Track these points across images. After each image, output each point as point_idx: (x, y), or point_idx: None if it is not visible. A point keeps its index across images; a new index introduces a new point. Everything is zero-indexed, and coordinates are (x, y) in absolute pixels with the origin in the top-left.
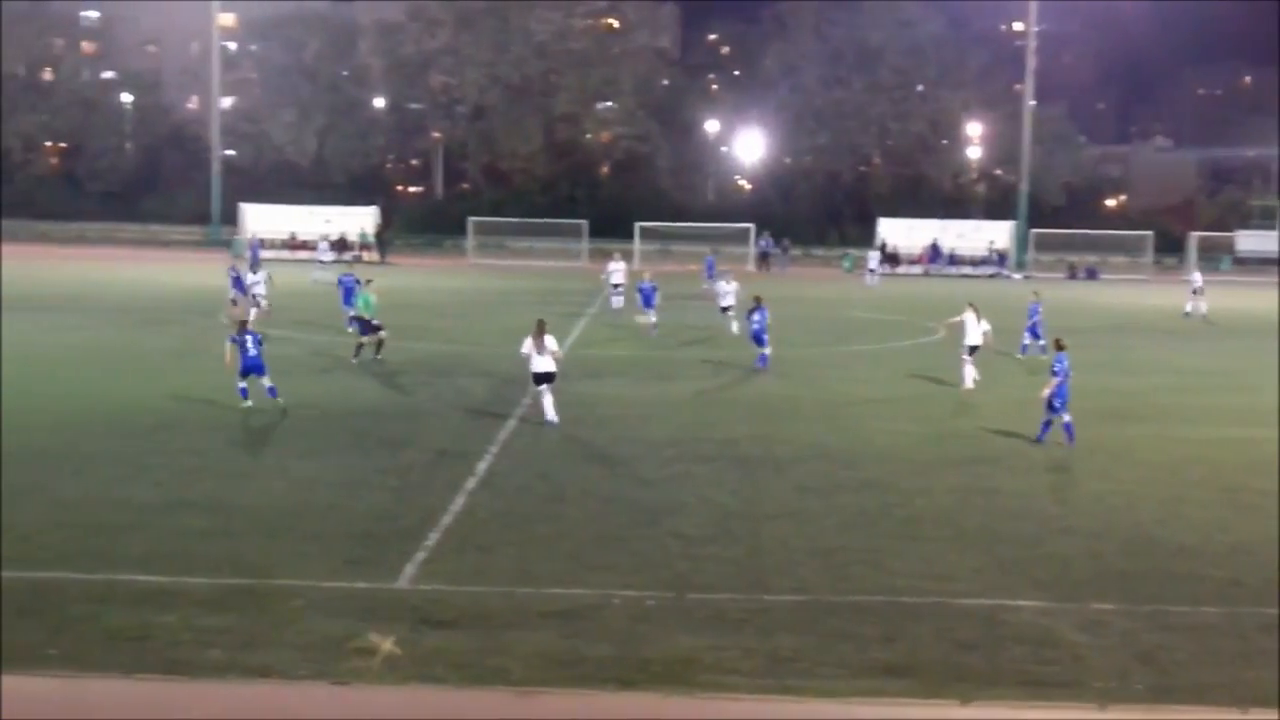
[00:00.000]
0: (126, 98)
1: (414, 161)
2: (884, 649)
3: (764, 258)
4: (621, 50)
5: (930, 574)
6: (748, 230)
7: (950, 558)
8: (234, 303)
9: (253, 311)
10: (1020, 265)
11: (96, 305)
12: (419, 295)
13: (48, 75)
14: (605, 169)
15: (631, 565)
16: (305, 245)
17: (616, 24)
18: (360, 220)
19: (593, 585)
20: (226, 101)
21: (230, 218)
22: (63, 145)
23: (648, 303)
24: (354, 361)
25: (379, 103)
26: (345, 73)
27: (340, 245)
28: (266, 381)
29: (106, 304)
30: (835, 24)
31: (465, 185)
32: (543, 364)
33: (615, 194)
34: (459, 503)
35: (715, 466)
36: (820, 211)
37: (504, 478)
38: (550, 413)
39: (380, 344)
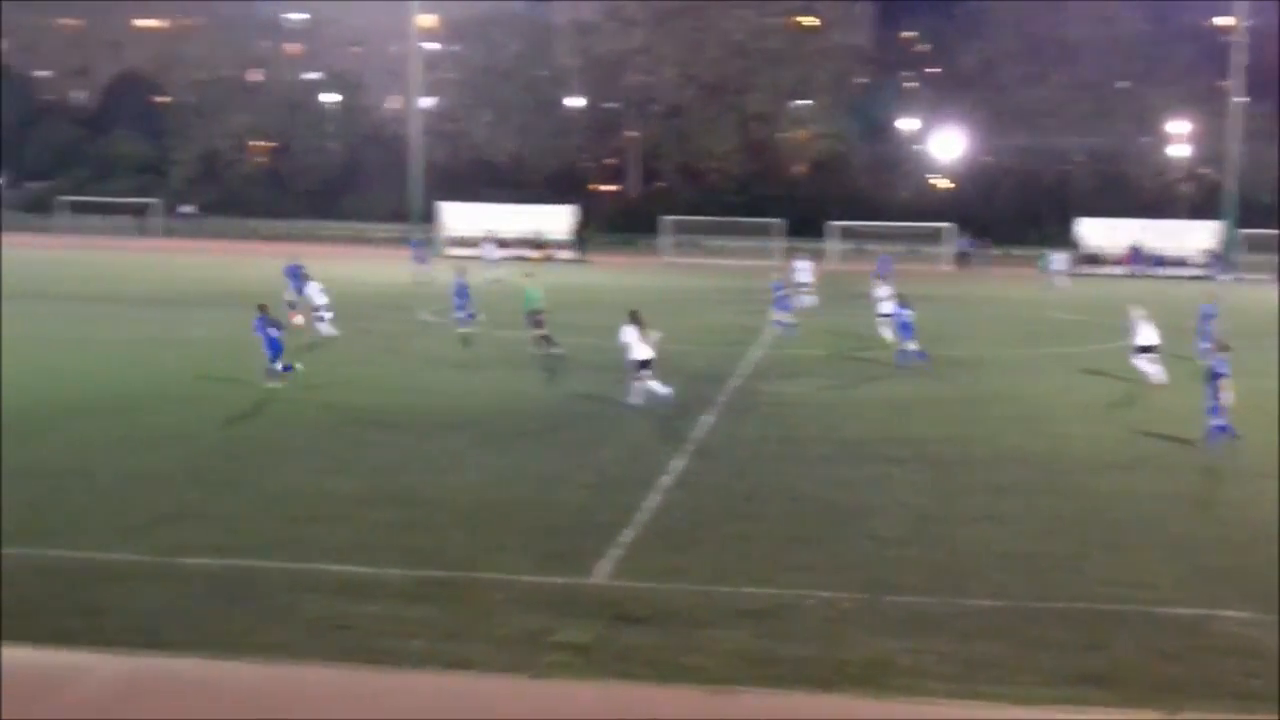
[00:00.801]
0: (330, 98)
1: (609, 160)
2: (1084, 657)
3: (963, 257)
4: (817, 48)
5: (1133, 581)
6: (944, 229)
7: (1153, 565)
8: (292, 305)
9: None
10: (1229, 266)
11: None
12: (611, 293)
13: (256, 76)
14: (800, 168)
15: (827, 566)
16: (502, 244)
17: (811, 22)
18: (557, 219)
19: (788, 585)
20: (426, 101)
21: (428, 216)
22: (269, 144)
23: (780, 304)
24: (544, 352)
25: (575, 102)
26: (543, 72)
27: (537, 244)
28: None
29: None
30: (1034, 20)
31: (660, 184)
32: (644, 351)
33: (810, 193)
34: (654, 500)
35: (909, 468)
36: (1020, 210)
37: (699, 476)
38: (661, 389)
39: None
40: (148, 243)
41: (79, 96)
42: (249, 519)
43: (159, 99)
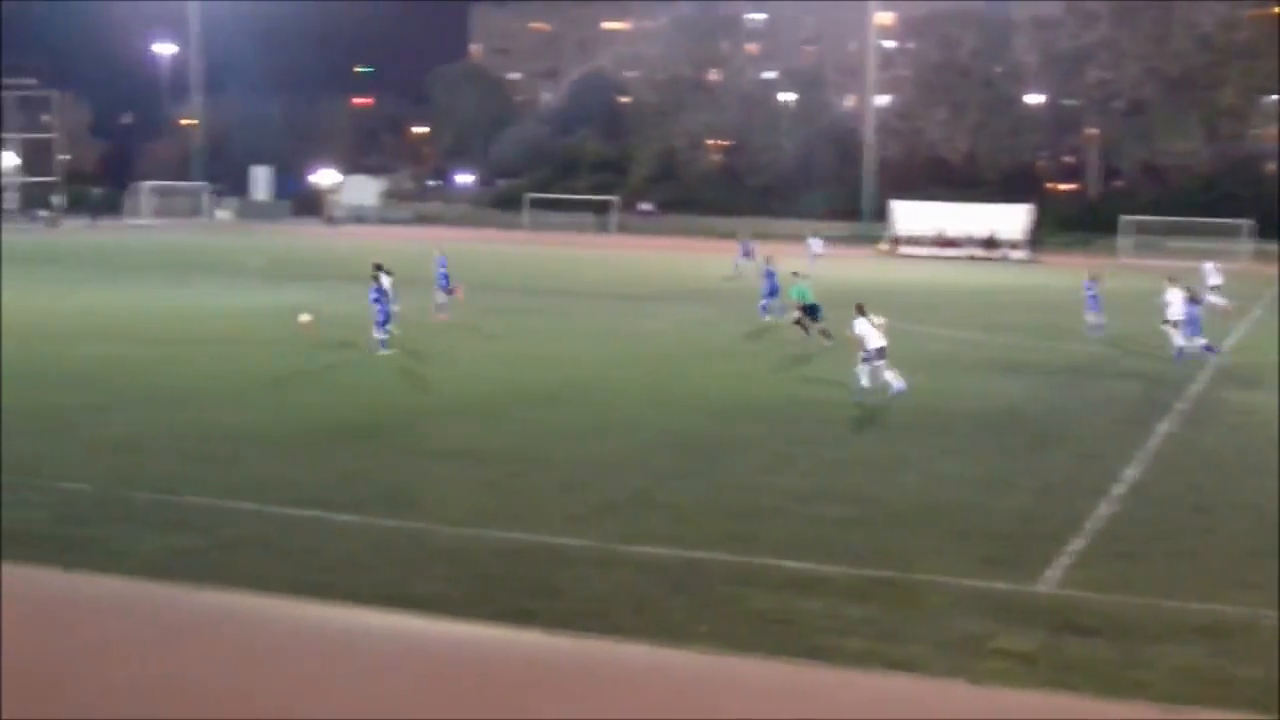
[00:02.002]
0: (786, 96)
1: (1066, 159)
2: None
3: None
4: None
5: None
6: None
7: None
8: (451, 291)
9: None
10: None
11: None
12: (1063, 295)
13: (714, 76)
14: (1272, 166)
15: None
16: (953, 243)
17: None
18: (1011, 218)
19: (1243, 603)
20: (881, 99)
21: (880, 214)
22: (725, 143)
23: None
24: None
25: (1033, 99)
26: (999, 69)
27: (990, 244)
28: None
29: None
30: None
31: (1119, 183)
32: (877, 339)
33: None
34: (1104, 509)
35: None
36: None
37: (1152, 486)
38: (897, 383)
39: (822, 331)
40: (606, 239)
41: (547, 97)
42: (695, 510)
43: (621, 99)
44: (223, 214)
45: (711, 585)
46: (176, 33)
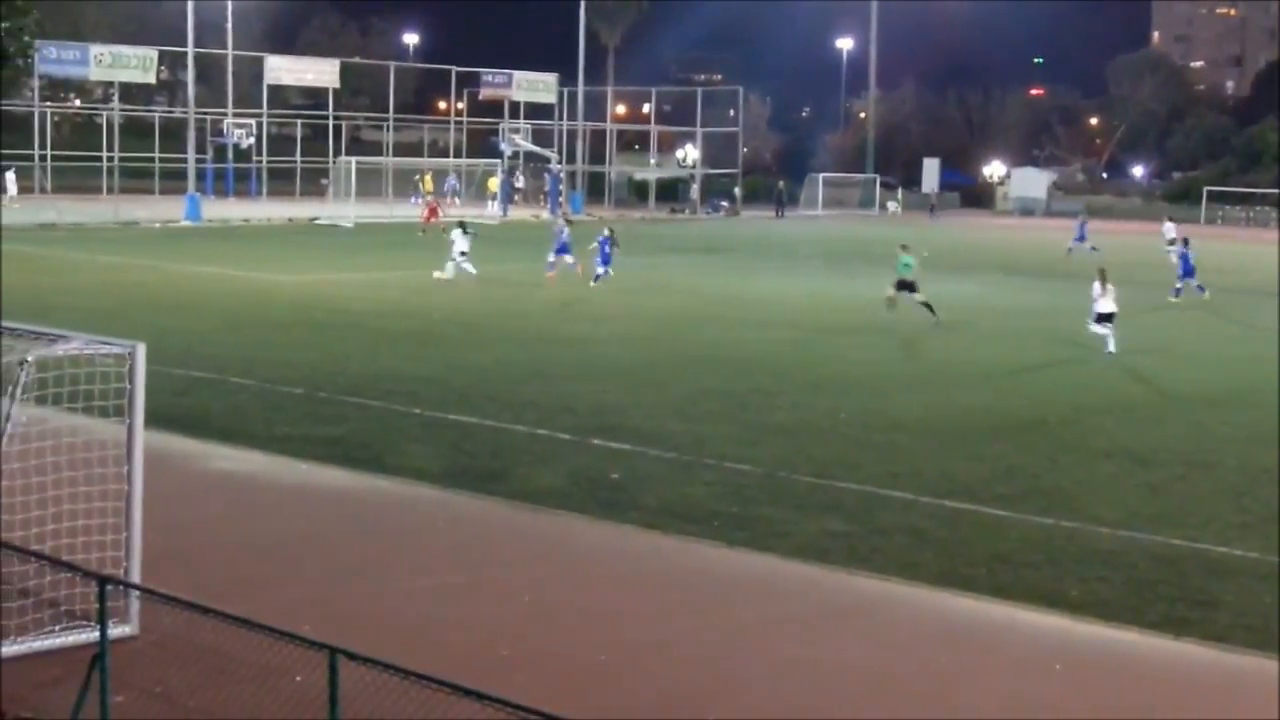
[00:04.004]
0: None
1: None
2: None
3: None
4: None
5: None
6: None
7: None
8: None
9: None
10: None
11: None
12: None
13: None
14: None
15: None
16: None
17: None
18: None
19: None
20: None
21: None
22: None
23: None
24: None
25: None
26: None
27: None
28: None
29: None
30: None
31: None
32: (1107, 305)
33: None
34: None
35: None
36: None
37: None
38: (1110, 345)
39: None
40: None
41: (1230, 86)
42: None
43: None
44: (892, 205)
45: None
46: (856, 28)
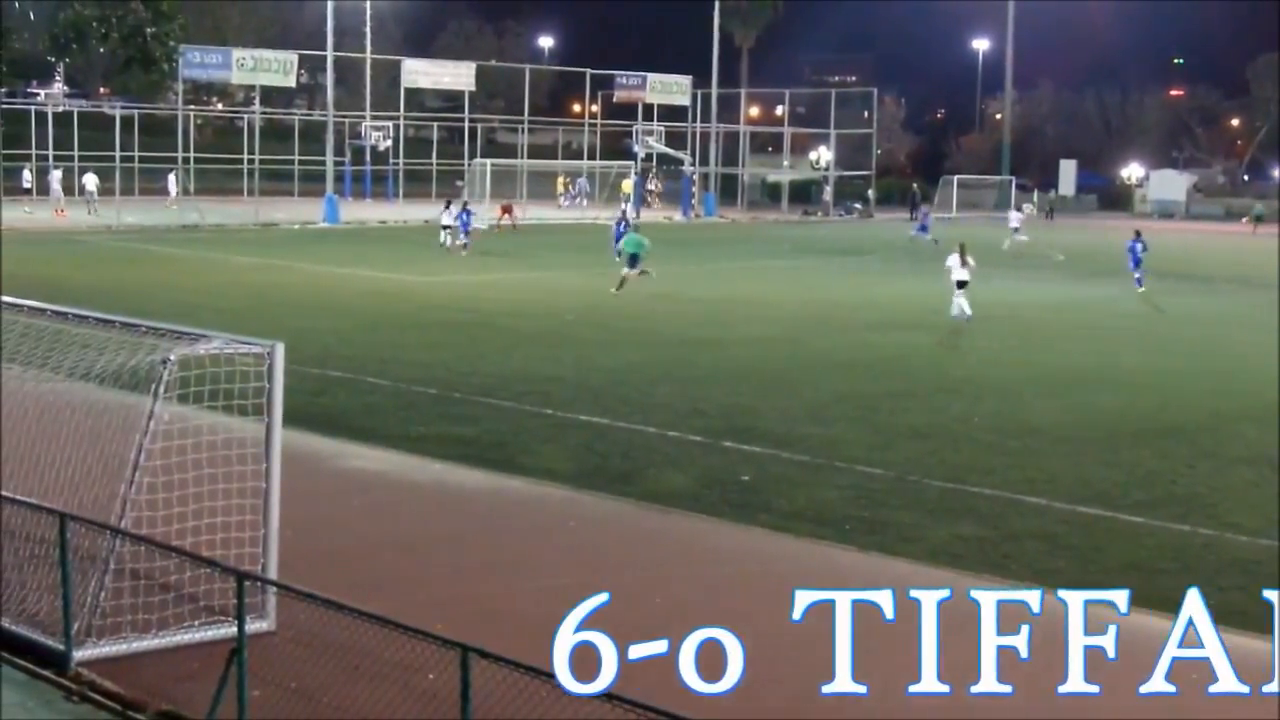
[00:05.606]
0: None
1: None
2: None
3: None
4: None
5: None
6: None
7: None
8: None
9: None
10: None
11: None
12: None
13: None
14: None
15: None
16: None
17: None
18: None
19: None
20: None
21: None
22: None
23: None
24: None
25: None
26: None
27: None
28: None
29: None
30: None
31: None
32: (962, 274)
33: None
34: None
35: None
36: None
37: None
38: (961, 310)
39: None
40: None
41: None
42: None
43: None
44: (1028, 208)
45: None
46: (992, 28)
